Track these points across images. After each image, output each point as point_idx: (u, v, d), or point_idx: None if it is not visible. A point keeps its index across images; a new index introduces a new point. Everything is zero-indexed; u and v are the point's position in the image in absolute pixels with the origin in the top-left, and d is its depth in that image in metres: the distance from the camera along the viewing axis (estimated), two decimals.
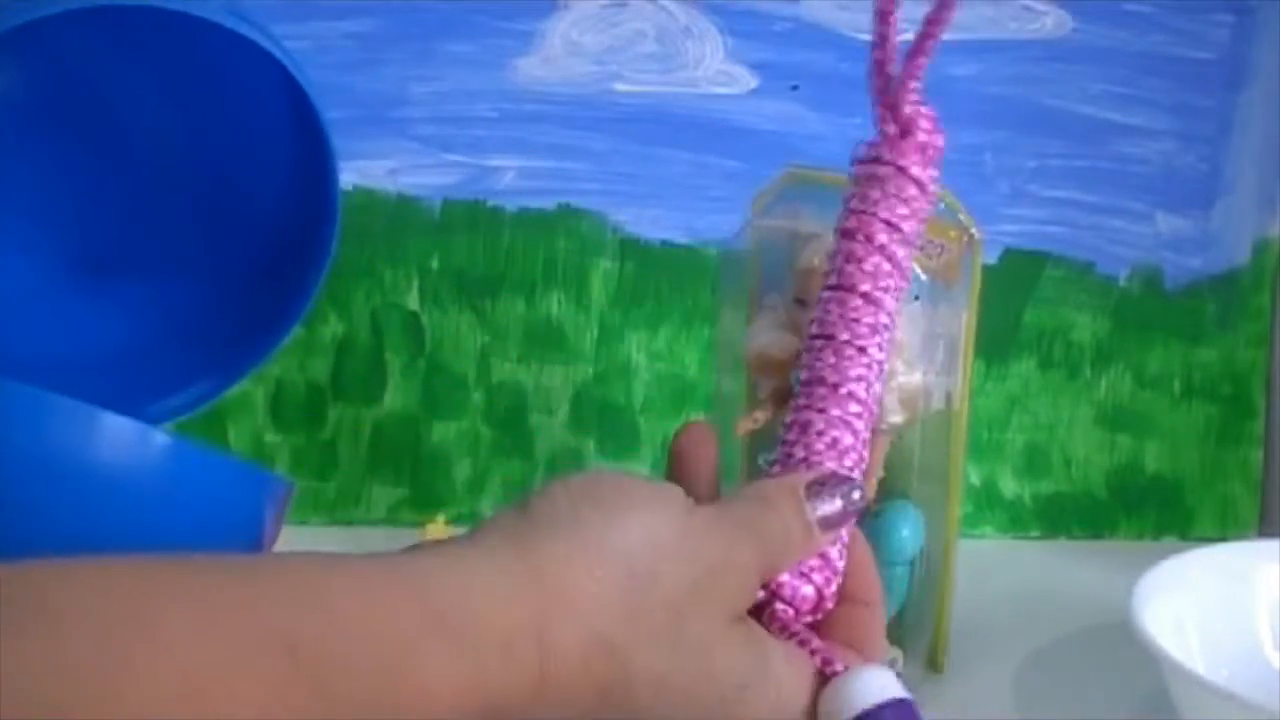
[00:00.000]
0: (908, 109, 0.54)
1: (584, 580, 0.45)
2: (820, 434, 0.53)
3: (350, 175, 0.94)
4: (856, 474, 0.53)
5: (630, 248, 0.96)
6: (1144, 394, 0.99)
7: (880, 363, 0.54)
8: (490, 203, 0.95)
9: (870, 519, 0.79)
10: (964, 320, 0.79)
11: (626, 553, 0.46)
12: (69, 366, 0.82)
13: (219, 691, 0.39)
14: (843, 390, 0.53)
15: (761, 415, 0.73)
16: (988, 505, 0.99)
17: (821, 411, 0.53)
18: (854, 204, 0.54)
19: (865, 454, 0.54)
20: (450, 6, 0.93)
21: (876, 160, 0.54)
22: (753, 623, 0.49)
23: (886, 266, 0.54)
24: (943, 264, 0.78)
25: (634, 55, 0.94)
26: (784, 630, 0.50)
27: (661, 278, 0.96)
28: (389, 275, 0.95)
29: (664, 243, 0.96)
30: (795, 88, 0.94)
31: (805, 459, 0.53)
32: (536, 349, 0.97)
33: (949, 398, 0.79)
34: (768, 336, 0.79)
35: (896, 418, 0.78)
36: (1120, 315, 0.98)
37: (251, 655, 0.40)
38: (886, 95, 0.55)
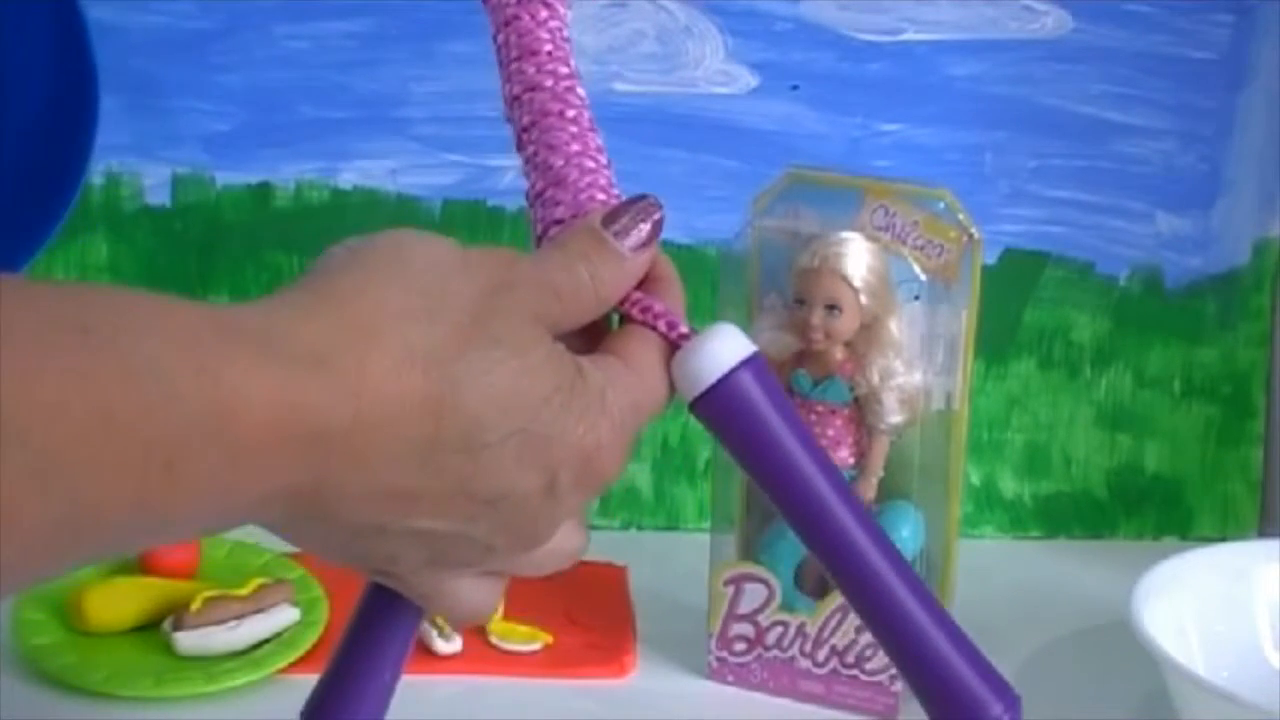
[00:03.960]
0: None
1: (379, 302, 0.46)
2: (573, 138, 0.56)
3: (350, 175, 0.94)
4: (615, 183, 0.57)
5: None
6: (1144, 394, 0.99)
7: (584, 107, 0.57)
8: (490, 203, 0.95)
9: None
10: (964, 320, 0.79)
11: (414, 277, 0.47)
12: None
13: (16, 368, 0.38)
14: (569, 114, 0.57)
15: None
16: (988, 505, 0.99)
17: (561, 130, 0.57)
18: (510, 10, 0.60)
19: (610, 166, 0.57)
20: (450, 6, 0.93)
21: None
22: (559, 343, 0.50)
23: (559, 39, 0.59)
24: (942, 264, 0.78)
25: (634, 55, 0.94)
26: (629, 304, 0.54)
27: None
28: None
29: (664, 243, 0.95)
30: (795, 88, 0.94)
31: (565, 164, 0.56)
32: None
33: (949, 398, 0.79)
34: (768, 336, 0.79)
35: (896, 418, 0.78)
36: (1120, 315, 0.98)
37: (44, 332, 0.39)
38: None
